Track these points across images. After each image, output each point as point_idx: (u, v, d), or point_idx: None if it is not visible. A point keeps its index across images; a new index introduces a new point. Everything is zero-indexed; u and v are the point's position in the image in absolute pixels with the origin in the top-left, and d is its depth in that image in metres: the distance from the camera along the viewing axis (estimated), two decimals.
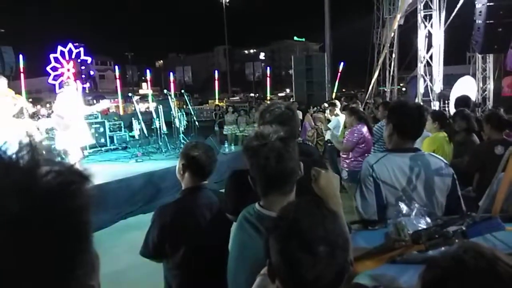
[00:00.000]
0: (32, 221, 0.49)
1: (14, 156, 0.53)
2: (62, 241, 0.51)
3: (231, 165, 7.59)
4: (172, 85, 27.39)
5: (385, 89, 19.81)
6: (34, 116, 9.47)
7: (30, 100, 6.82)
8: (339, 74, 21.87)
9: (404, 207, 1.77)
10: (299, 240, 0.86)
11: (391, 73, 18.76)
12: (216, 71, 31.18)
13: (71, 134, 6.72)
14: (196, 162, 2.11)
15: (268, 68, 32.78)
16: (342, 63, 22.12)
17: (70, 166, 0.55)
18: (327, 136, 6.56)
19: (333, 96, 17.97)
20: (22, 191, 0.49)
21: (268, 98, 30.41)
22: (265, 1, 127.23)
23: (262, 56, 70.76)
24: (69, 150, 6.87)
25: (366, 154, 4.83)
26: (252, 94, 39.17)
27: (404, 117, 2.09)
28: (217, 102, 28.81)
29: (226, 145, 10.74)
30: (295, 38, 73.85)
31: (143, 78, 38.34)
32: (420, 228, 1.56)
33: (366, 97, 9.84)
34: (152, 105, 12.49)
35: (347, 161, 4.97)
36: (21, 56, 17.04)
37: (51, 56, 19.93)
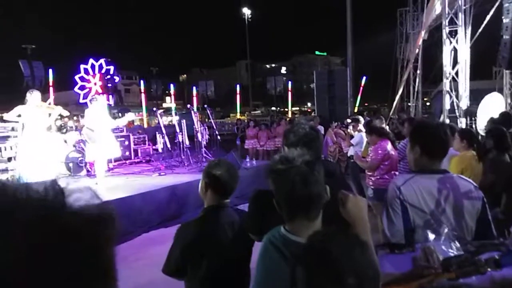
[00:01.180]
0: (57, 257, 0.48)
1: (43, 190, 0.52)
2: (87, 279, 0.50)
3: (253, 180, 7.59)
4: (194, 99, 27.79)
5: (409, 104, 19.53)
6: (61, 128, 9.74)
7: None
8: (361, 88, 21.73)
9: (432, 231, 1.72)
10: (328, 271, 0.84)
11: (416, 88, 18.50)
12: (237, 85, 31.47)
13: (100, 146, 6.95)
14: (218, 180, 2.12)
15: (290, 82, 32.86)
16: (364, 77, 21.99)
17: (99, 203, 0.55)
18: (350, 152, 6.49)
19: (355, 111, 17.83)
20: (49, 226, 0.48)
21: (289, 112, 30.43)
22: (286, 15, 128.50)
23: (283, 70, 71.08)
24: (97, 162, 7.12)
25: (392, 171, 4.76)
26: (273, 108, 39.27)
27: (429, 138, 2.06)
28: (238, 116, 29.02)
29: (247, 160, 10.75)
30: (317, 52, 73.95)
31: (166, 92, 39.10)
32: (450, 254, 1.51)
33: (391, 112, 9.70)
34: (175, 119, 12.69)
35: (372, 178, 4.88)
36: (50, 71, 17.70)
37: (82, 67, 20.64)
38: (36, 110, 6.33)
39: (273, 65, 75.56)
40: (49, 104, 7.02)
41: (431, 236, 1.69)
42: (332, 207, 1.38)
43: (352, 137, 6.82)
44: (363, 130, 6.49)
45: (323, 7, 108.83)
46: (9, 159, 7.57)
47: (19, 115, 6.39)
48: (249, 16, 38.81)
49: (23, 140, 6.37)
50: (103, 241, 0.53)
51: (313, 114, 23.07)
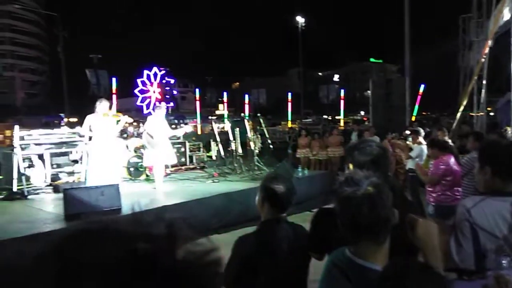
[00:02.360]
0: None
1: (148, 225, 0.50)
2: None
3: (305, 189, 7.55)
4: (246, 106, 28.19)
5: (472, 114, 18.42)
6: (123, 133, 10.27)
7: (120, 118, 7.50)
8: (419, 97, 20.84)
9: (506, 258, 1.63)
10: None
11: (480, 98, 17.41)
12: (289, 93, 31.44)
13: (158, 152, 7.29)
14: (275, 194, 2.13)
15: (342, 90, 32.31)
16: (423, 86, 21.08)
17: (206, 243, 0.53)
18: (409, 165, 6.25)
19: (413, 119, 17.14)
20: (157, 265, 0.47)
21: (342, 121, 29.85)
22: (339, 23, 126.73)
23: (336, 78, 70.06)
24: (155, 167, 7.47)
25: (455, 188, 4.53)
26: (325, 116, 38.76)
27: (501, 159, 1.94)
28: (289, 124, 28.96)
29: (299, 169, 10.69)
30: (372, 59, 72.16)
31: (219, 99, 40.06)
32: None
33: (454, 125, 9.20)
34: (227, 126, 12.95)
35: (433, 194, 4.67)
36: (114, 79, 18.79)
37: (139, 80, 21.78)
38: (104, 118, 6.79)
39: (325, 72, 74.72)
40: (115, 112, 7.49)
41: (505, 263, 1.59)
42: (400, 231, 1.35)
43: (411, 149, 6.57)
44: (423, 142, 6.23)
45: (377, 14, 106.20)
46: (75, 162, 8.12)
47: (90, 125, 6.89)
48: (303, 25, 38.74)
49: (92, 147, 6.84)
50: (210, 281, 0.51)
51: (367, 123, 22.48)
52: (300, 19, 38.87)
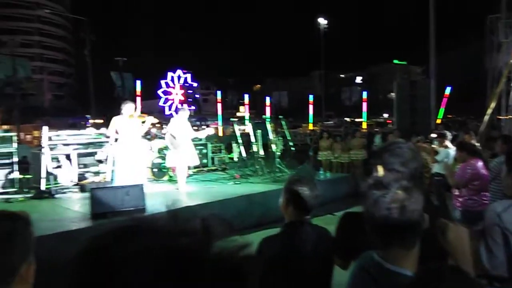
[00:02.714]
0: None
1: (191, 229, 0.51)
2: None
3: (326, 193, 7.49)
4: (267, 108, 28.16)
5: (499, 117, 17.87)
6: (146, 135, 10.43)
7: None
8: (445, 99, 20.36)
9: None
10: None
11: (508, 101, 16.88)
12: (310, 95, 31.26)
13: (181, 153, 7.39)
14: (299, 197, 2.13)
15: (365, 92, 31.90)
16: (449, 88, 20.57)
17: (239, 239, 0.53)
18: (435, 169, 6.12)
19: (438, 122, 16.77)
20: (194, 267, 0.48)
21: (364, 123, 29.45)
22: (362, 24, 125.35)
23: (358, 80, 69.29)
24: (178, 168, 7.58)
25: (482, 192, 4.41)
26: (347, 119, 38.38)
27: None
28: (310, 126, 28.78)
29: (321, 172, 10.62)
30: (395, 61, 71.03)
31: (240, 101, 40.26)
32: None
33: (481, 129, 8.94)
34: (248, 128, 12.98)
35: (460, 199, 4.56)
36: (138, 82, 19.16)
37: (163, 82, 22.12)
38: (130, 120, 6.94)
39: (348, 74, 74.01)
40: (140, 113, 7.65)
41: None
42: (430, 235, 1.32)
43: (437, 153, 6.42)
44: (450, 146, 6.09)
45: (401, 14, 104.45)
46: (99, 162, 8.31)
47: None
48: (325, 26, 38.49)
49: (118, 148, 7.00)
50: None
51: (390, 126, 22.13)
52: (322, 21, 38.63)
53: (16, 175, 7.78)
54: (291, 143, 11.34)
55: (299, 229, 2.16)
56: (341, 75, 72.44)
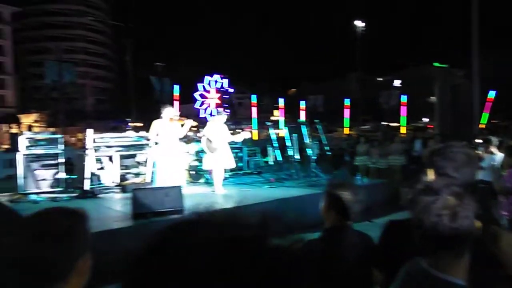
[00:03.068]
0: None
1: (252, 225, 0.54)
2: None
3: (364, 199, 7.34)
4: (303, 112, 28.00)
5: None
6: (184, 138, 10.63)
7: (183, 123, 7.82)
8: (489, 104, 19.49)
9: None
10: None
11: None
12: (347, 99, 30.79)
13: (217, 156, 7.50)
14: (341, 201, 2.11)
15: (404, 96, 31.00)
16: (494, 92, 19.66)
17: (292, 236, 0.56)
18: (479, 176, 5.86)
19: (481, 127, 16.09)
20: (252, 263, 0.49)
21: (403, 128, 28.65)
22: (400, 26, 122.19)
23: (396, 83, 67.51)
24: (214, 171, 7.70)
25: None
26: (384, 123, 37.46)
27: None
28: (346, 130, 28.34)
29: (358, 177, 10.43)
30: (436, 64, 68.65)
31: (275, 105, 40.25)
32: None
33: None
34: (283, 132, 12.98)
35: (507, 207, 4.35)
36: (177, 87, 19.66)
37: (199, 85, 22.57)
38: (169, 123, 7.15)
39: (385, 78, 72.31)
40: (179, 117, 7.84)
41: None
42: (481, 243, 1.28)
43: (481, 159, 6.15)
44: (496, 152, 5.83)
45: (441, 16, 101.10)
46: (139, 163, 8.57)
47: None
48: (362, 29, 37.84)
49: (159, 150, 7.22)
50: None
51: (430, 131, 21.42)
52: (359, 23, 38.02)
53: (62, 175, 8.17)
54: (326, 148, 11.21)
55: (340, 234, 2.14)
56: (378, 79, 70.85)
